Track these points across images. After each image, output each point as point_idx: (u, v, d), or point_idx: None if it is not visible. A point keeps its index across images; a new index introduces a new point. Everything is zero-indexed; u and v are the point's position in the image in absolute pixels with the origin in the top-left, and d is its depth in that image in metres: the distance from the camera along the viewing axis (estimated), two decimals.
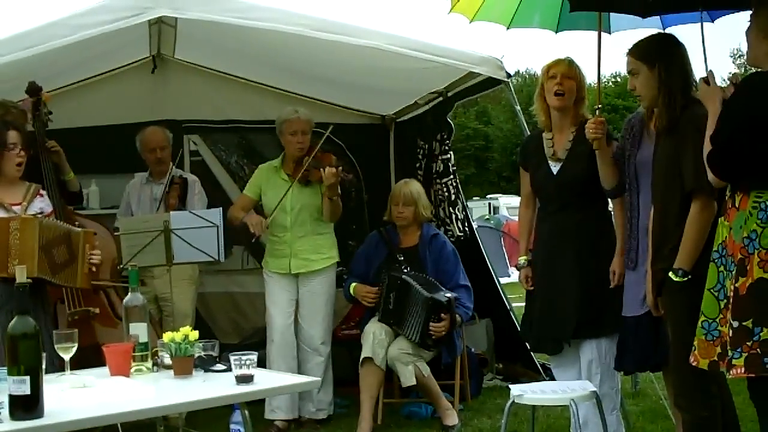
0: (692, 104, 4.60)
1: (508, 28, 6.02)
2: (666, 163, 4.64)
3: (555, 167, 5.67)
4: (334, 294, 7.06)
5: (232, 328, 8.58)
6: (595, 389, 5.03)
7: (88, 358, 4.51)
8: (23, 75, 6.29)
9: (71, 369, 4.28)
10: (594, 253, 5.52)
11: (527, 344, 6.74)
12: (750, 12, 4.22)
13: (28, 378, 3.35)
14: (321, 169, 6.60)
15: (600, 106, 5.41)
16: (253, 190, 7.07)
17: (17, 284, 3.53)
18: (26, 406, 3.37)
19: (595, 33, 5.54)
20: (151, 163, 7.30)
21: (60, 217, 5.99)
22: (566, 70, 5.60)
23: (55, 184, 6.28)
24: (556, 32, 6.05)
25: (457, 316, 6.86)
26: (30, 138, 5.95)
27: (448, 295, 6.80)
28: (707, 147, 4.11)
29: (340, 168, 6.64)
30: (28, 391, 3.35)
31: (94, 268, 5.76)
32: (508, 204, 39.26)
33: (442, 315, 6.73)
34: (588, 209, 5.60)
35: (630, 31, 5.85)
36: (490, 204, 38.61)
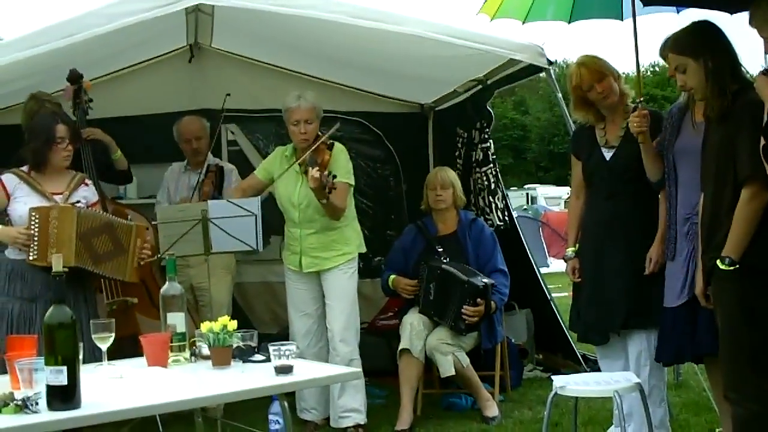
0: (746, 89, 4.47)
1: (523, 23, 6.01)
2: (719, 151, 4.50)
3: (608, 153, 5.64)
4: (355, 289, 6.65)
5: (270, 318, 8.54)
6: (639, 381, 4.99)
7: (127, 348, 4.49)
8: (61, 65, 6.33)
9: (109, 359, 4.27)
10: (643, 242, 5.46)
11: (576, 334, 6.64)
12: None
13: (65, 368, 3.32)
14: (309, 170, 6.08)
15: (642, 99, 5.34)
16: (263, 173, 6.63)
17: (53, 273, 3.50)
18: (63, 397, 3.35)
19: (614, 21, 5.48)
20: (188, 153, 7.30)
21: (104, 206, 6.05)
22: (593, 75, 5.59)
23: (95, 174, 6.32)
24: (569, 23, 6.00)
25: (492, 302, 6.77)
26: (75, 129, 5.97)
27: (485, 280, 6.73)
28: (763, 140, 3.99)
29: (326, 174, 5.98)
30: (65, 382, 3.32)
31: (142, 263, 5.79)
32: (546, 194, 39.23)
33: (478, 300, 6.65)
34: (638, 198, 5.53)
35: (658, 19, 5.79)
36: (527, 194, 38.62)
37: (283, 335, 6.67)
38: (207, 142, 7.31)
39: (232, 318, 4.32)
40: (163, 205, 7.05)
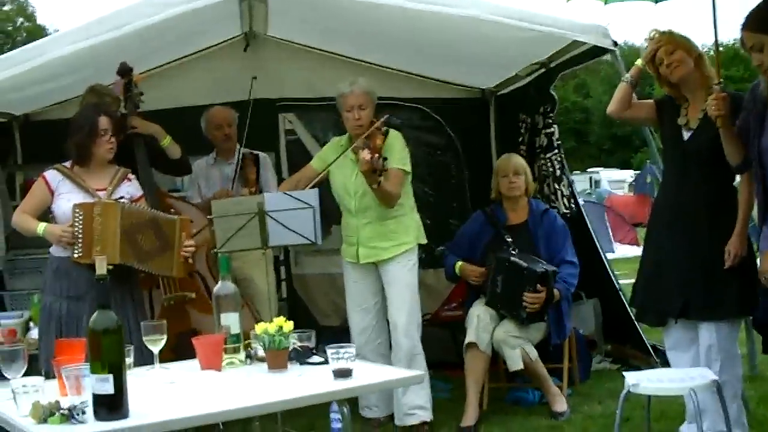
0: None
1: (606, 3, 5.77)
2: None
3: (686, 134, 5.45)
4: (416, 281, 6.44)
5: (332, 310, 8.42)
6: (716, 378, 4.78)
7: (185, 344, 4.35)
8: (117, 56, 6.27)
9: (165, 354, 4.18)
10: (712, 230, 5.27)
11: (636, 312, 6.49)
12: None
13: (111, 376, 3.18)
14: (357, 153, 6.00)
15: (721, 81, 5.12)
16: (319, 163, 6.43)
17: (97, 276, 3.36)
18: (110, 406, 3.21)
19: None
20: (219, 141, 7.22)
21: (152, 201, 5.95)
22: (666, 44, 5.41)
23: (147, 167, 6.28)
24: (656, 3, 5.76)
25: (555, 291, 6.58)
26: (122, 122, 5.86)
27: (546, 267, 6.55)
28: None
29: (376, 156, 5.83)
30: (111, 390, 3.19)
31: (190, 260, 5.67)
32: (610, 177, 38.87)
33: (538, 286, 6.46)
34: (711, 183, 5.34)
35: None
36: (591, 178, 38.31)
37: (345, 328, 6.59)
38: (236, 130, 7.24)
39: (293, 311, 4.18)
40: (218, 200, 6.98)
